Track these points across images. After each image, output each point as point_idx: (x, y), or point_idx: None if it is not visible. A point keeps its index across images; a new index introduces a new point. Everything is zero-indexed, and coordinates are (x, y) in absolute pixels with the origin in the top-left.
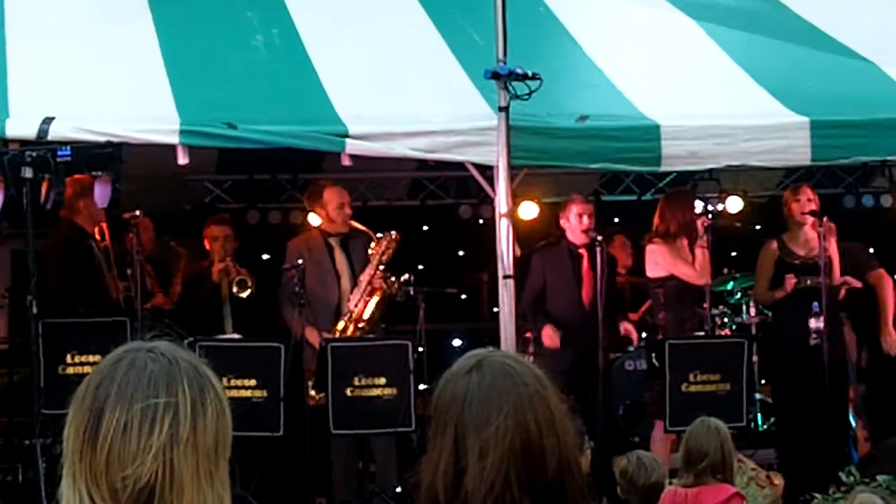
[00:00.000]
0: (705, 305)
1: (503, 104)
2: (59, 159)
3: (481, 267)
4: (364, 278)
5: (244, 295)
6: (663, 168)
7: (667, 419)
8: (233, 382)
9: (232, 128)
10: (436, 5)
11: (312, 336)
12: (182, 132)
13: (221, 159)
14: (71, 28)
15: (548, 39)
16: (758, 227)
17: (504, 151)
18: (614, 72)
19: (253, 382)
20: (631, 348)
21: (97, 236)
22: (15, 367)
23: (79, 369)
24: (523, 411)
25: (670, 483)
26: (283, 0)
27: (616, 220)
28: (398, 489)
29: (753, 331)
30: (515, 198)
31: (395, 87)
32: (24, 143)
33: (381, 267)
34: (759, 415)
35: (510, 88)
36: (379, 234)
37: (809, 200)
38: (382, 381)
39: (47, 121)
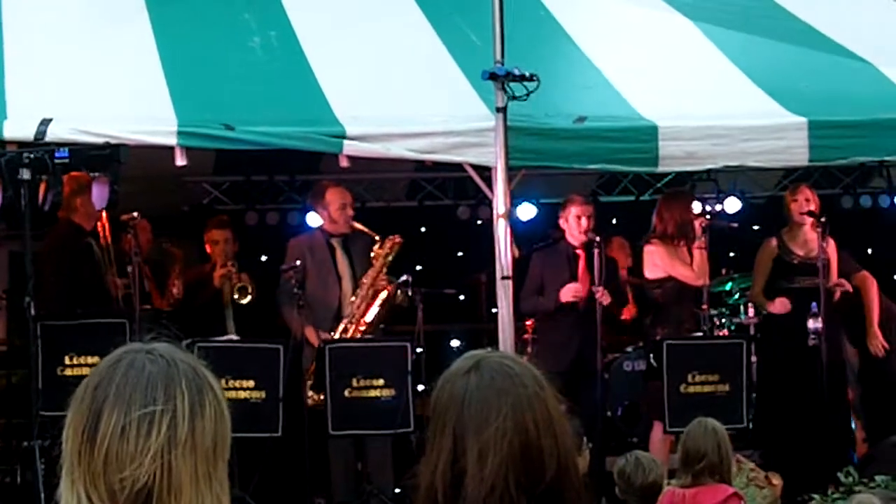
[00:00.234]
0: (704, 306)
1: (501, 105)
2: (56, 161)
3: (479, 268)
4: (367, 281)
5: (245, 301)
6: (661, 169)
7: (666, 420)
8: (231, 383)
9: (230, 129)
10: (433, 6)
11: (312, 335)
12: (180, 133)
13: (219, 161)
14: (68, 29)
15: (545, 40)
16: (756, 228)
17: (502, 152)
18: (612, 72)
19: (251, 383)
20: (629, 349)
21: (99, 232)
22: (13, 368)
23: (77, 371)
24: (522, 412)
25: (669, 484)
26: (281, 1)
27: (614, 221)
28: (396, 490)
29: (752, 331)
30: (513, 198)
31: (392, 88)
32: (21, 144)
33: (384, 270)
34: None
35: (508, 89)
36: (377, 237)
37: (808, 200)
38: (381, 381)
39: (45, 122)
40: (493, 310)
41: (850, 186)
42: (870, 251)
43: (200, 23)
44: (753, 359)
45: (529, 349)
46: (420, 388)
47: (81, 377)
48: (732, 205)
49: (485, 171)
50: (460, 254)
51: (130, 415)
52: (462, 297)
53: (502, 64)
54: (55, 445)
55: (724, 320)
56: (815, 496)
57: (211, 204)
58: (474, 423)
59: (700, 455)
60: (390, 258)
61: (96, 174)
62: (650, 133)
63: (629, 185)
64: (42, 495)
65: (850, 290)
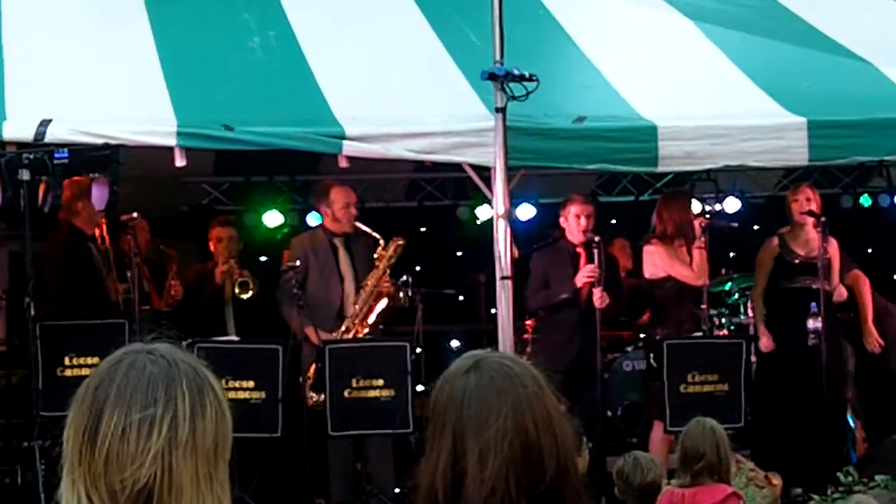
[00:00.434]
0: (703, 306)
1: (500, 105)
2: (56, 161)
3: (479, 268)
4: (371, 282)
5: (246, 296)
6: (660, 169)
7: (666, 420)
8: (231, 384)
9: (229, 130)
10: (432, 6)
11: (312, 335)
12: (179, 134)
13: (219, 161)
14: (68, 30)
15: (545, 40)
16: (756, 228)
17: (501, 152)
18: (611, 72)
19: (251, 384)
20: (629, 349)
21: (97, 238)
22: (13, 369)
23: (77, 371)
24: (522, 412)
25: (668, 484)
26: (280, 1)
27: (613, 221)
28: (396, 490)
29: (751, 331)
30: (512, 199)
31: (391, 88)
32: (21, 145)
33: (387, 272)
34: None
35: (507, 89)
36: (381, 239)
37: (808, 200)
38: (380, 382)
39: (44, 123)
40: (493, 310)
41: (850, 186)
42: (870, 250)
43: (200, 23)
44: (753, 358)
45: (529, 349)
46: (419, 388)
47: (81, 378)
48: (732, 205)
49: (484, 172)
50: (459, 254)
51: (131, 415)
52: (461, 298)
53: (501, 64)
54: (55, 446)
55: (723, 320)
56: (815, 496)
57: (210, 204)
58: (474, 424)
59: (698, 455)
60: (393, 261)
61: (96, 175)
62: (649, 133)
63: (629, 186)
64: (42, 496)
65: (845, 296)
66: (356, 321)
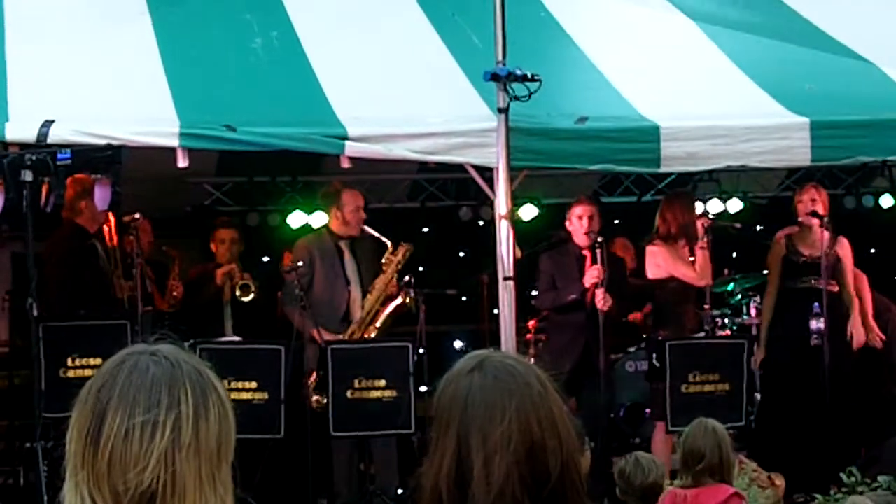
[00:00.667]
0: (706, 306)
1: (502, 106)
2: (58, 162)
3: (481, 268)
4: (379, 286)
5: (247, 299)
6: (663, 169)
7: (668, 420)
8: (233, 385)
9: (231, 130)
10: (435, 7)
11: (318, 335)
12: (181, 135)
13: (221, 162)
14: (70, 31)
15: (547, 41)
16: (758, 228)
17: (504, 153)
18: (613, 73)
19: (254, 385)
20: (632, 349)
21: (105, 235)
22: (15, 369)
23: (80, 372)
24: (526, 413)
25: (670, 484)
26: (282, 2)
27: (616, 221)
28: (399, 491)
29: (753, 331)
30: (515, 199)
31: (394, 89)
32: (23, 146)
33: (395, 277)
34: None
35: (509, 90)
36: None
37: (813, 200)
38: (382, 383)
39: (47, 124)
40: (495, 311)
41: (853, 186)
42: (872, 251)
43: (202, 24)
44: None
45: (531, 350)
46: (422, 389)
47: (84, 378)
48: (735, 205)
49: (486, 172)
50: (462, 255)
51: (135, 417)
52: (464, 298)
53: (504, 64)
54: (58, 447)
55: (726, 320)
56: (818, 496)
57: (213, 205)
58: (478, 424)
59: (700, 455)
60: (401, 266)
61: (98, 176)
62: (652, 133)
63: (631, 186)
64: (45, 497)
65: (862, 342)
66: (362, 326)
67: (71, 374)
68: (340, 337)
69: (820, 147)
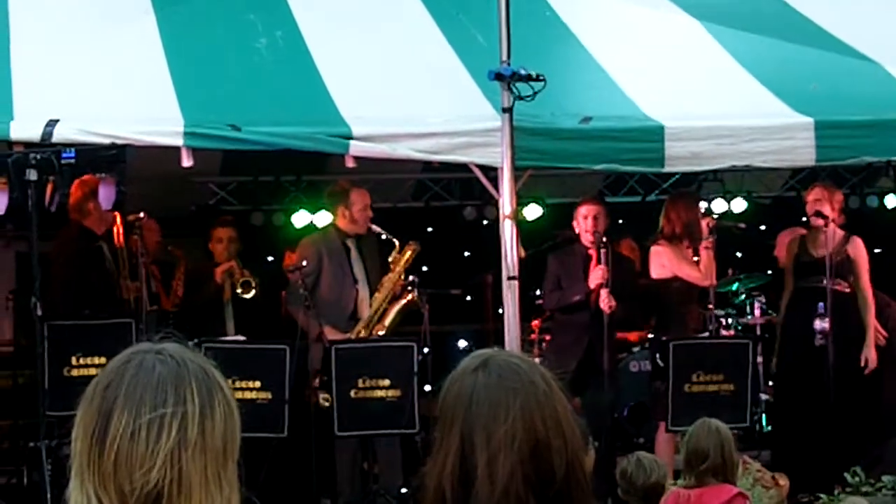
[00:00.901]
0: (710, 306)
1: (507, 105)
2: (63, 161)
3: (486, 268)
4: (387, 285)
5: (248, 296)
6: (667, 169)
7: (668, 419)
8: (237, 384)
9: (236, 130)
10: (439, 7)
11: (327, 332)
12: (186, 134)
13: (225, 161)
14: (75, 30)
15: (551, 40)
16: (763, 228)
17: (508, 153)
18: (618, 72)
19: (258, 384)
20: (636, 349)
21: (113, 236)
22: (20, 369)
23: (84, 371)
24: (530, 412)
25: (674, 484)
26: (286, 2)
27: (620, 221)
28: (403, 490)
29: (758, 331)
30: (519, 199)
31: (398, 88)
32: (28, 145)
33: (402, 276)
34: (763, 416)
35: (514, 89)
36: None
37: (818, 200)
38: (387, 382)
39: (51, 123)
40: (500, 310)
41: (857, 186)
42: (877, 251)
43: (206, 23)
44: (759, 359)
45: (535, 349)
46: (426, 388)
47: (88, 378)
48: (739, 205)
49: (491, 172)
50: (466, 254)
51: (141, 416)
52: (468, 298)
53: (508, 64)
54: (62, 446)
55: (730, 320)
56: (822, 496)
57: (217, 204)
58: (482, 422)
59: (703, 455)
60: (409, 265)
61: (103, 175)
62: (656, 133)
63: (635, 186)
64: (49, 496)
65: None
66: (370, 325)
67: (75, 373)
68: (346, 336)
69: (824, 147)
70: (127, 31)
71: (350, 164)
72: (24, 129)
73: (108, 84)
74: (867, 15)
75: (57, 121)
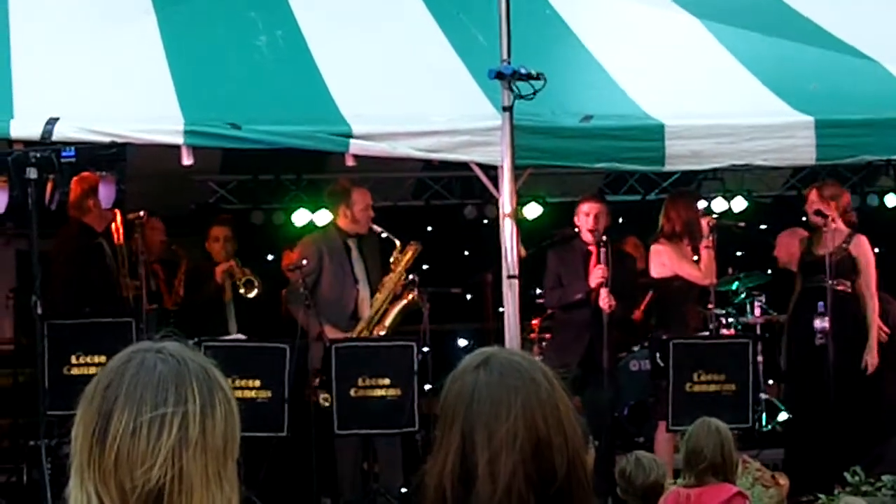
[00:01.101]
0: (710, 305)
1: (507, 104)
2: (63, 160)
3: (486, 267)
4: (388, 285)
5: (252, 295)
6: (667, 168)
7: (669, 419)
8: (237, 383)
9: (236, 128)
10: (439, 5)
11: (328, 332)
12: (186, 132)
13: (225, 160)
14: (75, 29)
15: (552, 39)
16: (763, 227)
17: (508, 151)
18: (618, 71)
19: (258, 383)
20: (636, 348)
21: (113, 234)
22: (20, 367)
23: (84, 370)
24: (532, 409)
25: (673, 483)
26: (287, 1)
27: (620, 220)
28: (403, 489)
29: (758, 330)
30: (519, 198)
31: (398, 87)
32: (28, 143)
33: (403, 276)
34: (763, 415)
35: (514, 88)
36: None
37: (815, 200)
38: (387, 381)
39: (51, 121)
40: (500, 309)
41: (858, 185)
42: (877, 250)
43: (207, 22)
44: (759, 358)
45: (536, 348)
46: (426, 387)
47: (88, 376)
48: (739, 204)
49: (491, 171)
50: (466, 253)
51: (142, 415)
52: (468, 297)
53: (509, 63)
54: (62, 445)
55: (730, 319)
56: (821, 496)
57: (217, 203)
58: (483, 420)
59: (702, 455)
60: (410, 264)
61: (103, 173)
62: (656, 132)
63: (636, 185)
64: (49, 494)
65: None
66: (371, 324)
67: (75, 371)
68: (347, 335)
69: (825, 146)
70: (127, 29)
71: (350, 162)
72: (25, 127)
73: (109, 82)
74: (867, 14)
75: (57, 119)
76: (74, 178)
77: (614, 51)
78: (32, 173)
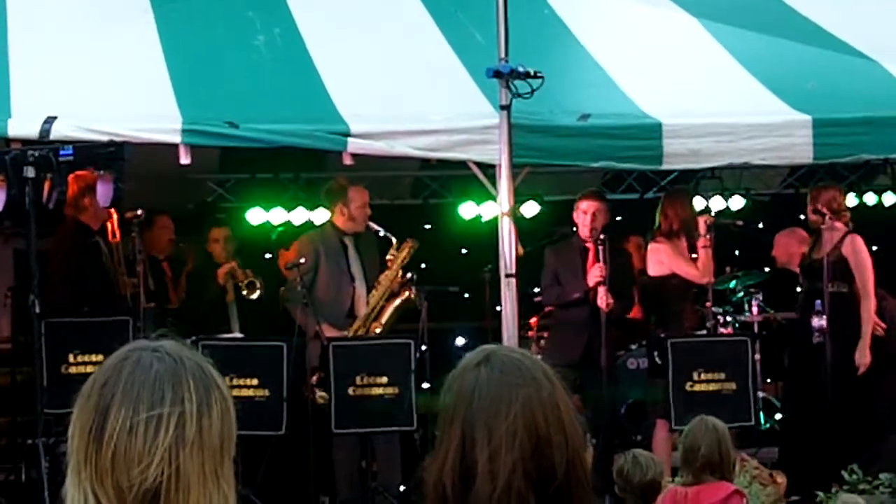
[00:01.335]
0: (707, 304)
1: (505, 103)
2: (61, 159)
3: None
4: (385, 282)
5: (254, 296)
6: (665, 166)
7: (672, 418)
8: (235, 382)
9: (234, 127)
10: (437, 4)
11: (326, 331)
12: (184, 131)
13: (223, 158)
14: (73, 28)
15: (549, 37)
16: (760, 226)
17: (506, 150)
18: (616, 70)
19: (255, 381)
20: (634, 346)
21: (108, 232)
22: (18, 366)
23: (81, 368)
24: (532, 408)
25: (671, 482)
26: (285, 0)
27: (618, 218)
28: (401, 488)
29: (756, 329)
30: (517, 196)
31: (396, 85)
32: (26, 142)
33: (400, 273)
34: (761, 413)
35: (512, 87)
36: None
37: (813, 200)
38: (384, 380)
39: (49, 120)
40: (497, 308)
41: (855, 184)
42: (874, 248)
43: (205, 21)
44: (757, 356)
45: (534, 347)
46: (424, 385)
47: (86, 375)
48: (737, 202)
49: (489, 169)
50: (464, 251)
51: (138, 414)
52: (466, 295)
53: (506, 61)
54: (59, 443)
55: (728, 318)
56: (820, 493)
57: (215, 201)
58: (483, 418)
59: (699, 453)
60: (406, 262)
61: (101, 172)
62: (654, 130)
63: (634, 183)
64: (46, 493)
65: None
66: (367, 322)
67: (72, 370)
68: (344, 333)
69: (822, 145)
70: (125, 28)
71: (347, 161)
72: (22, 126)
73: (107, 81)
74: (865, 13)
75: (55, 118)
76: (71, 176)
77: (612, 49)
78: (30, 172)
